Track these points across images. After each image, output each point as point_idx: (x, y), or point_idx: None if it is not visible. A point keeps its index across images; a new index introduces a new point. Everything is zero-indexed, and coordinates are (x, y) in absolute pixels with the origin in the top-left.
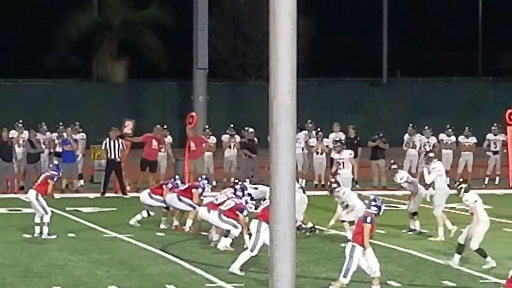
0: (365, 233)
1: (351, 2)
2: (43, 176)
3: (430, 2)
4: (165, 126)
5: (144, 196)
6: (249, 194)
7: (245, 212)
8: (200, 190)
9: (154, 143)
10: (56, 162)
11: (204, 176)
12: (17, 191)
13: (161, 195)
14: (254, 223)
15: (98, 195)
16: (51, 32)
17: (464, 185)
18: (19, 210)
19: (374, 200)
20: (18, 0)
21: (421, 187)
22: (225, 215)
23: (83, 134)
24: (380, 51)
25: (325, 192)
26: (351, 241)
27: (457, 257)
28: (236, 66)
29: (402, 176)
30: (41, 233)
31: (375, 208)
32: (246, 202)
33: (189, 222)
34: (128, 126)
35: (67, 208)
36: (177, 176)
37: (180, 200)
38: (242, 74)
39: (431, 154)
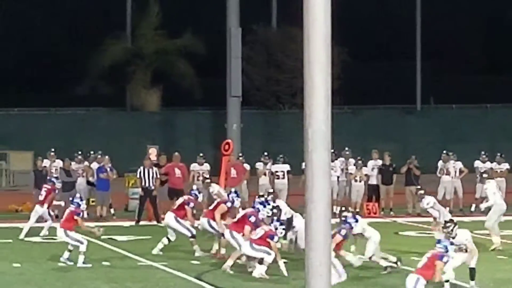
0: (438, 269)
1: (384, 28)
2: (67, 212)
3: (464, 28)
4: (201, 154)
5: (170, 218)
6: (278, 220)
7: (275, 239)
8: (229, 204)
9: (177, 171)
10: (78, 195)
11: (233, 190)
12: (52, 220)
13: (186, 215)
14: None
15: (133, 223)
16: (84, 61)
17: (452, 225)
18: (54, 239)
19: (445, 240)
20: (50, 29)
21: (448, 214)
22: (256, 244)
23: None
24: (414, 78)
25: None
26: (413, 273)
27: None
28: (270, 93)
29: (429, 201)
30: (68, 259)
31: (443, 248)
32: (276, 228)
33: (222, 250)
34: (153, 153)
35: (102, 237)
36: (194, 187)
37: (210, 225)
38: (276, 101)
39: (485, 175)
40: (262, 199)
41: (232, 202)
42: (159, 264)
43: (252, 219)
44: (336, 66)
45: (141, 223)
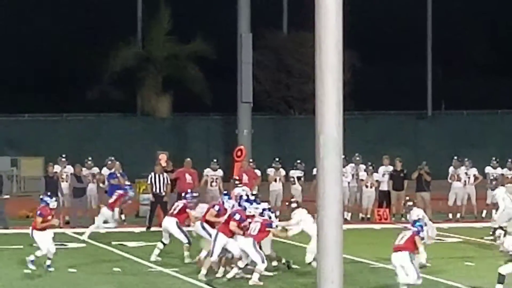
0: None
1: (395, 34)
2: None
3: (475, 33)
4: (215, 160)
5: (171, 223)
6: (269, 209)
7: (273, 225)
8: (216, 207)
9: (188, 177)
10: (48, 193)
11: (224, 192)
12: (63, 225)
13: (186, 219)
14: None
15: (144, 229)
16: (95, 66)
17: (499, 231)
18: (65, 245)
19: None
20: (61, 34)
21: (434, 227)
22: (258, 242)
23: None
24: (425, 84)
25: (371, 225)
26: None
27: (499, 286)
28: (280, 99)
29: (418, 213)
30: (49, 266)
31: None
32: (270, 217)
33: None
34: (162, 159)
35: (113, 242)
36: (188, 190)
37: (203, 228)
38: (286, 107)
39: (494, 182)
40: (246, 196)
41: (223, 202)
42: (170, 270)
43: (237, 216)
44: (346, 71)
45: (152, 229)
